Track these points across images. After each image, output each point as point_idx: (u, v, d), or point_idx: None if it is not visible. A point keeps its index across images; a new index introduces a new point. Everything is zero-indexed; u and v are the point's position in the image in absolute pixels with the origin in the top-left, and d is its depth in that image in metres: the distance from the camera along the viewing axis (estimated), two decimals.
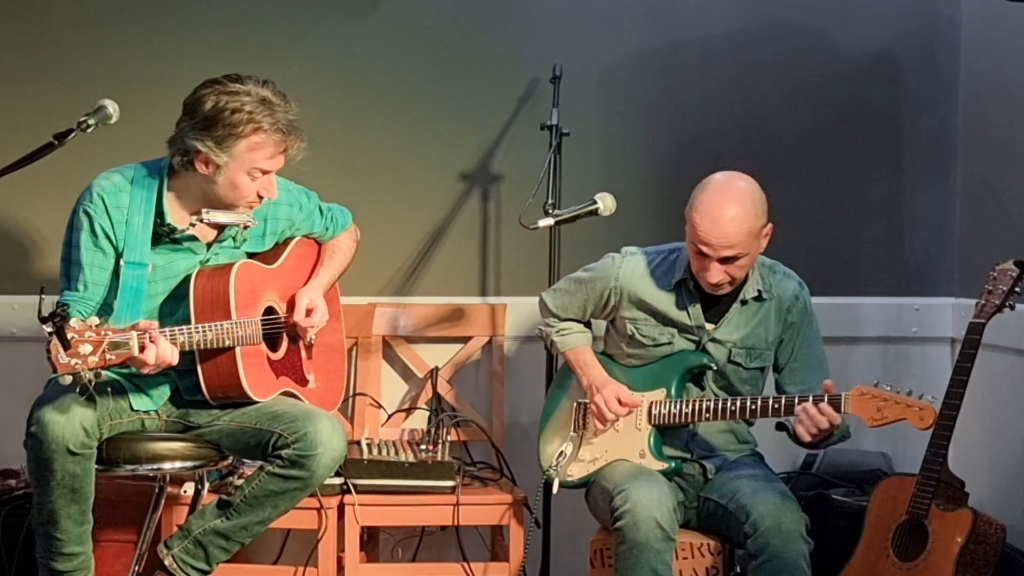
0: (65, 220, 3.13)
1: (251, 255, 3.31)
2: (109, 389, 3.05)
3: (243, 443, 3.16)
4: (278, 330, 3.32)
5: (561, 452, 3.44)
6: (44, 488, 2.97)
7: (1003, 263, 3.19)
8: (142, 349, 2.85)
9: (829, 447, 3.31)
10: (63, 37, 4.06)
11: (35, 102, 4.01)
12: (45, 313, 2.68)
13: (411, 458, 3.64)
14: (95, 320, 2.77)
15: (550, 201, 3.64)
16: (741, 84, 4.13)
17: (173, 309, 3.16)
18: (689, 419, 3.34)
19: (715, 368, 3.36)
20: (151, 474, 3.23)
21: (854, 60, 4.13)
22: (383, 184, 4.11)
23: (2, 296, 4.04)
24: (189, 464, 3.20)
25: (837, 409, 3.13)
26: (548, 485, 3.50)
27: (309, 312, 3.33)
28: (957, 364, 3.16)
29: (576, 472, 3.43)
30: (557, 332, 3.53)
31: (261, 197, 3.14)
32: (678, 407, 3.34)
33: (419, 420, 4.01)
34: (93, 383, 2.78)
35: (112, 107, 3.02)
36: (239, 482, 3.30)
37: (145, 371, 2.92)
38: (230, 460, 3.29)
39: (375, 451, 3.67)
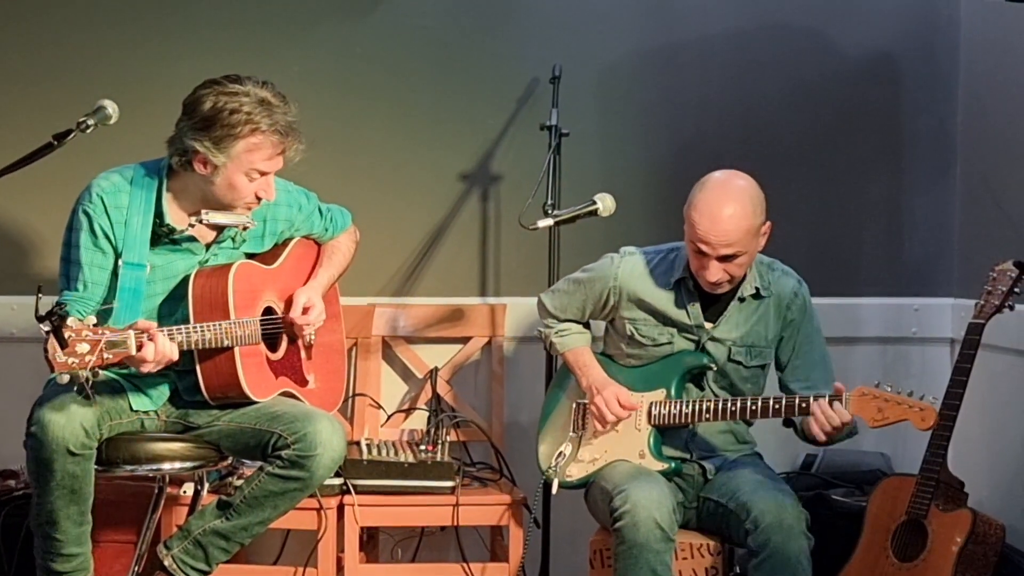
0: (64, 220, 3.12)
1: (250, 256, 3.31)
2: (109, 388, 3.05)
3: (243, 443, 3.16)
4: (277, 330, 3.32)
5: (560, 452, 3.44)
6: (43, 488, 2.97)
7: (1002, 263, 3.20)
8: (139, 348, 2.85)
9: (833, 445, 3.30)
10: (63, 37, 4.06)
11: (34, 102, 4.01)
12: (42, 312, 2.68)
13: (411, 458, 3.64)
14: (93, 319, 2.77)
15: (549, 201, 3.64)
16: (741, 84, 4.13)
17: (172, 309, 3.16)
18: (689, 419, 3.34)
19: (715, 368, 3.36)
20: (151, 474, 3.23)
21: (854, 60, 4.13)
22: (383, 184, 4.11)
23: (1, 296, 4.05)
24: (189, 464, 3.20)
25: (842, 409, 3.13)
26: (547, 485, 3.51)
27: (306, 311, 3.32)
28: (956, 364, 3.16)
29: (575, 472, 3.43)
30: (556, 333, 3.53)
31: (259, 198, 3.13)
32: (678, 407, 3.34)
33: (419, 420, 4.01)
34: (91, 382, 2.78)
35: (111, 107, 3.02)
36: (239, 483, 3.30)
37: (145, 370, 2.91)
38: (230, 461, 3.29)
39: (375, 452, 3.67)
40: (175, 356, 2.95)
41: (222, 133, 3.01)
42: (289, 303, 3.35)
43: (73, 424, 2.92)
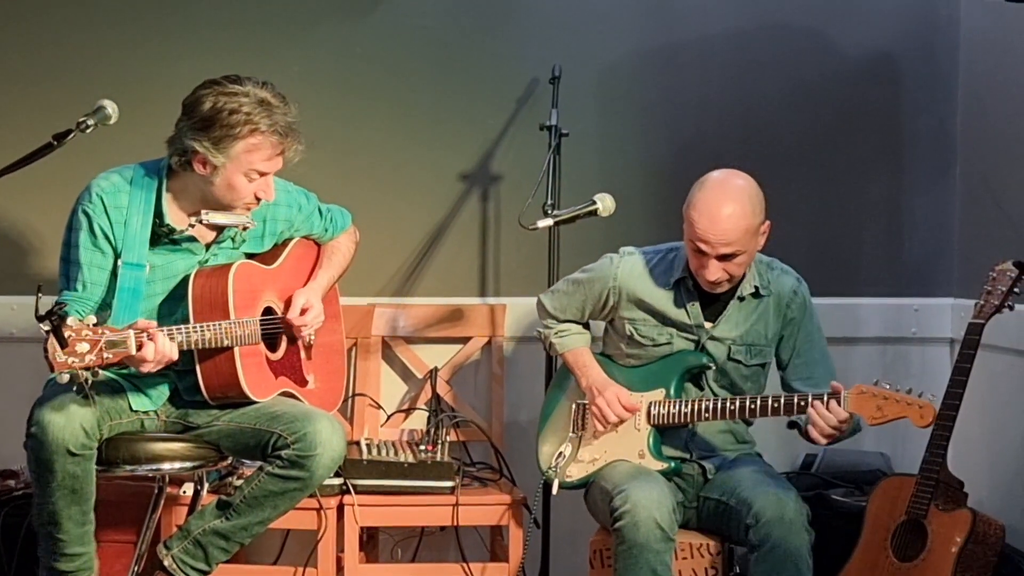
0: (64, 220, 3.13)
1: (250, 256, 3.31)
2: (109, 388, 3.05)
3: (242, 443, 3.16)
4: (277, 330, 3.32)
5: (560, 453, 3.44)
6: (45, 489, 2.97)
7: (1002, 263, 3.20)
8: (139, 348, 2.85)
9: (837, 443, 3.29)
10: (63, 37, 4.06)
11: (34, 102, 4.01)
12: (42, 312, 2.68)
13: (410, 458, 3.64)
14: (92, 319, 2.77)
15: (549, 201, 3.63)
16: (740, 84, 4.13)
17: (172, 309, 3.16)
18: (688, 419, 3.34)
19: (713, 368, 3.37)
20: (150, 474, 3.23)
21: (853, 60, 4.13)
22: (382, 184, 4.11)
23: (1, 296, 4.05)
24: (188, 464, 3.20)
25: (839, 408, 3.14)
26: (547, 486, 3.51)
27: (303, 312, 3.32)
28: (956, 364, 3.16)
29: (575, 473, 3.43)
30: (556, 333, 3.53)
31: (259, 199, 3.13)
32: (677, 407, 3.34)
33: (418, 420, 4.00)
34: (90, 382, 2.78)
35: (111, 107, 3.02)
36: (238, 482, 3.30)
37: (144, 369, 2.91)
38: (229, 460, 3.29)
39: (374, 451, 3.67)
40: (175, 356, 2.95)
41: (221, 133, 3.01)
42: (289, 303, 3.35)
43: (73, 425, 2.92)
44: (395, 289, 4.14)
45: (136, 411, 3.14)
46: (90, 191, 3.10)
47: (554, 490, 3.41)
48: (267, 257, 3.34)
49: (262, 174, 3.09)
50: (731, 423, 3.42)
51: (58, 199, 3.38)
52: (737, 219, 3.19)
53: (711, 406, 3.30)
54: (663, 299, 3.38)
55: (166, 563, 3.10)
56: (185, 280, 3.15)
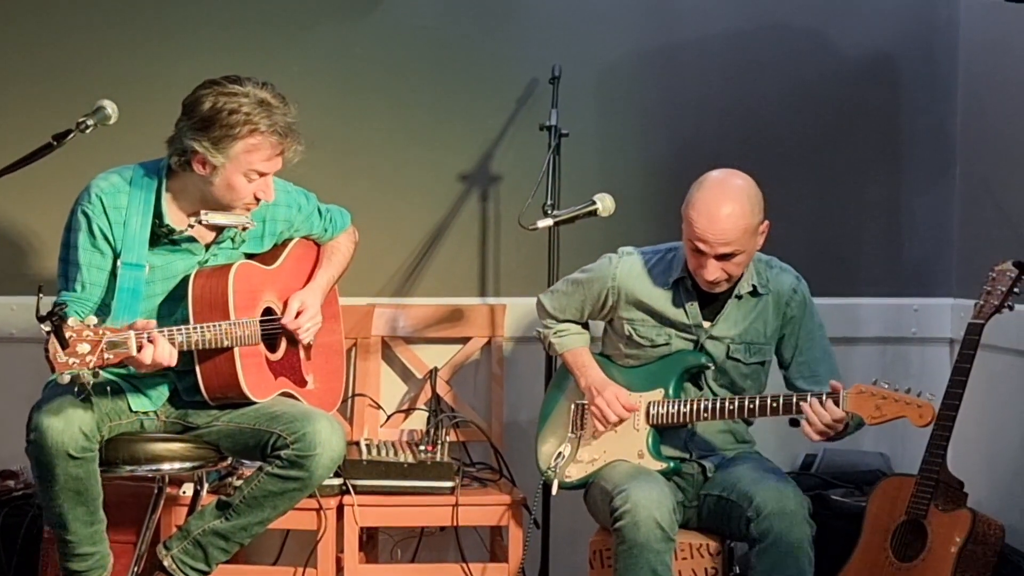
0: (64, 221, 3.12)
1: (250, 256, 3.30)
2: (108, 389, 3.05)
3: (242, 444, 3.16)
4: (277, 331, 3.31)
5: (559, 453, 3.44)
6: (49, 492, 2.97)
7: (1002, 264, 3.20)
8: (140, 349, 2.85)
9: (839, 440, 3.29)
10: (63, 37, 4.06)
11: (34, 102, 4.01)
12: (43, 312, 2.68)
13: (410, 459, 3.64)
14: (93, 320, 2.77)
15: (549, 202, 3.63)
16: (740, 85, 4.14)
17: (172, 309, 3.16)
18: (687, 419, 3.34)
19: (712, 367, 3.37)
20: (150, 475, 3.23)
21: (853, 61, 4.13)
22: (382, 184, 4.11)
23: (1, 297, 4.04)
24: (188, 465, 3.20)
25: (836, 407, 3.13)
26: (547, 486, 3.51)
27: (299, 314, 3.32)
28: (956, 364, 3.16)
29: (575, 473, 3.43)
30: (555, 333, 3.53)
31: (258, 199, 3.13)
32: (676, 407, 3.34)
33: (418, 421, 4.00)
34: (91, 383, 2.78)
35: (111, 108, 3.02)
36: (238, 483, 3.30)
37: (143, 370, 2.91)
38: (229, 461, 3.29)
39: (374, 452, 3.67)
40: (174, 361, 2.94)
41: (221, 133, 3.01)
42: (285, 303, 3.35)
43: (72, 428, 2.92)
44: (395, 289, 4.14)
45: (136, 411, 3.14)
46: (89, 191, 3.10)
47: (554, 490, 3.41)
48: (267, 257, 3.34)
49: (261, 174, 3.09)
50: (731, 423, 3.42)
51: (58, 199, 3.38)
52: (736, 219, 3.19)
53: (710, 406, 3.30)
54: (662, 299, 3.39)
55: (166, 563, 3.10)
56: (185, 280, 3.15)
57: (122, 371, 3.09)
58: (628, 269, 3.42)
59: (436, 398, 3.96)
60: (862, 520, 3.30)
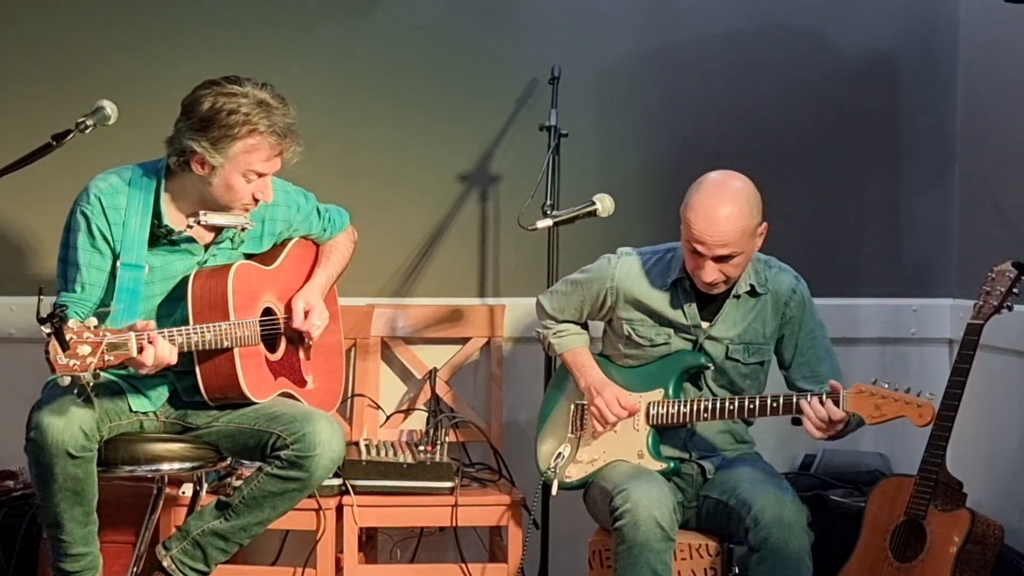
0: (63, 221, 3.12)
1: (249, 256, 3.30)
2: (108, 389, 3.05)
3: (242, 444, 3.16)
4: (276, 331, 3.31)
5: (559, 453, 3.44)
6: (47, 492, 2.97)
7: (1001, 264, 3.20)
8: (140, 350, 2.85)
9: (840, 439, 3.29)
10: (62, 37, 4.06)
11: (33, 103, 4.01)
12: (43, 314, 2.68)
13: (409, 459, 3.64)
14: (93, 321, 2.76)
15: (548, 202, 3.63)
16: (740, 85, 4.13)
17: (171, 310, 3.16)
18: (687, 419, 3.34)
19: (711, 367, 3.37)
20: (149, 475, 3.23)
21: (853, 61, 4.13)
22: (382, 184, 4.11)
23: (0, 297, 4.04)
24: (187, 465, 3.19)
25: (836, 407, 3.13)
26: (547, 486, 3.51)
27: (307, 315, 3.33)
28: (955, 365, 3.16)
29: (574, 473, 3.43)
30: (554, 334, 3.53)
31: (257, 200, 3.13)
32: (676, 407, 3.34)
33: (417, 421, 4.01)
34: (91, 384, 2.78)
35: (110, 108, 3.02)
36: (237, 483, 3.30)
37: (143, 372, 2.91)
38: (228, 461, 3.29)
39: (373, 452, 3.67)
40: (174, 360, 2.94)
41: (220, 134, 3.01)
42: (289, 304, 3.35)
43: (72, 427, 2.92)
44: (394, 289, 4.14)
45: (135, 412, 3.14)
46: (88, 192, 3.09)
47: (553, 490, 3.42)
48: (266, 257, 3.34)
49: (260, 175, 3.09)
50: (730, 423, 3.42)
51: (57, 199, 3.37)
52: (734, 220, 3.19)
53: (710, 406, 3.30)
54: (660, 300, 3.39)
55: (165, 564, 3.10)
56: (184, 281, 3.15)
57: (122, 371, 3.09)
58: (627, 269, 3.42)
59: (435, 398, 3.96)
60: (861, 520, 3.31)
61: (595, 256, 3.52)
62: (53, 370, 2.73)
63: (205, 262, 3.20)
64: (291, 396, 3.30)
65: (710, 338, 3.37)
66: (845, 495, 3.70)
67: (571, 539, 3.71)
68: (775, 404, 3.24)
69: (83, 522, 3.01)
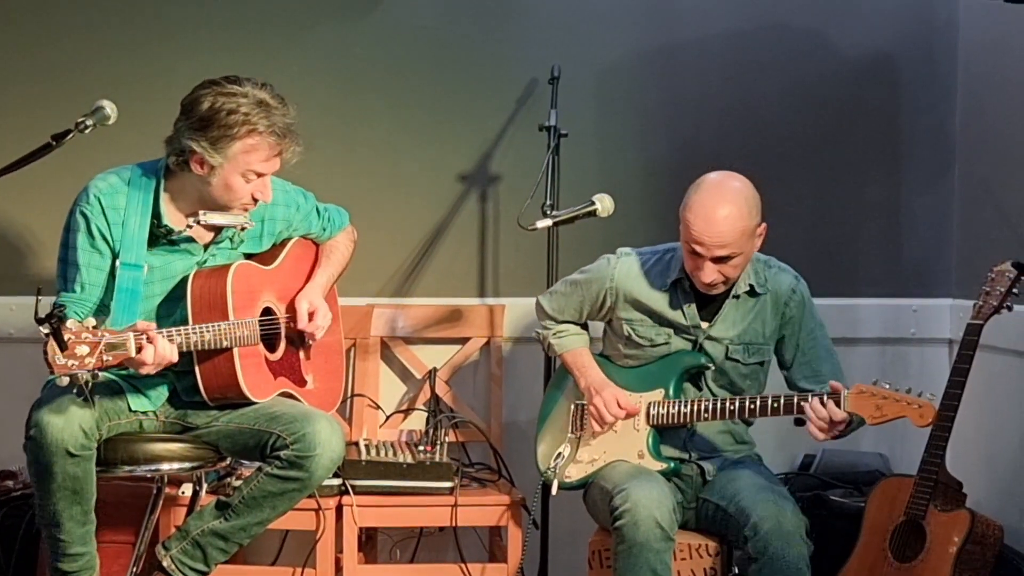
0: (62, 221, 3.12)
1: (248, 256, 3.30)
2: (108, 389, 3.05)
3: (241, 444, 3.16)
4: (276, 331, 3.31)
5: (559, 453, 3.44)
6: (45, 491, 2.97)
7: (1001, 264, 3.20)
8: (139, 350, 2.84)
9: (841, 438, 3.29)
10: (62, 37, 4.06)
11: (33, 102, 4.01)
12: (42, 314, 2.68)
13: (409, 459, 3.64)
14: (92, 321, 2.76)
15: (548, 202, 3.63)
16: (739, 85, 4.13)
17: (171, 310, 3.15)
18: (688, 419, 3.34)
19: (712, 368, 3.37)
20: (149, 475, 3.23)
21: (852, 61, 4.13)
22: (381, 184, 4.11)
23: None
24: (187, 465, 3.19)
25: (837, 407, 3.13)
26: (546, 486, 3.51)
27: (311, 316, 3.33)
28: (955, 365, 3.16)
29: (574, 473, 3.43)
30: (554, 334, 3.53)
31: (256, 200, 3.13)
32: (676, 407, 3.34)
33: (417, 421, 4.01)
34: (90, 384, 2.78)
35: (110, 108, 3.02)
36: (237, 483, 3.30)
37: (144, 371, 2.91)
38: (228, 461, 3.29)
39: (373, 452, 3.67)
40: (174, 358, 2.94)
41: (219, 133, 3.01)
42: (288, 304, 3.35)
43: (72, 426, 2.92)
44: (394, 289, 4.14)
45: (135, 412, 3.14)
46: (88, 192, 3.09)
47: (553, 490, 3.41)
48: (266, 257, 3.34)
49: (259, 175, 3.09)
50: (730, 423, 3.42)
51: (56, 199, 3.38)
52: (733, 221, 3.19)
53: (710, 406, 3.30)
54: (659, 300, 3.38)
55: (164, 564, 3.10)
56: (184, 281, 3.15)
57: (122, 371, 3.09)
58: (626, 270, 3.42)
59: (435, 398, 3.96)
60: (861, 520, 3.31)
61: (595, 256, 3.52)
62: (51, 370, 2.73)
63: (204, 262, 3.20)
64: (291, 396, 3.30)
65: (710, 338, 3.37)
66: (845, 495, 3.70)
67: (571, 539, 3.71)
68: (776, 405, 3.24)
69: (81, 521, 3.01)
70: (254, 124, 3.02)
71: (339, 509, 3.58)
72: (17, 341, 4.00)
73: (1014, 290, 3.16)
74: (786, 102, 4.14)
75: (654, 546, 3.10)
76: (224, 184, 3.07)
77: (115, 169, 3.16)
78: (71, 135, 2.97)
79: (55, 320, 2.67)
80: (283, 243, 3.39)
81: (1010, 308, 3.18)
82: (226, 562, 3.17)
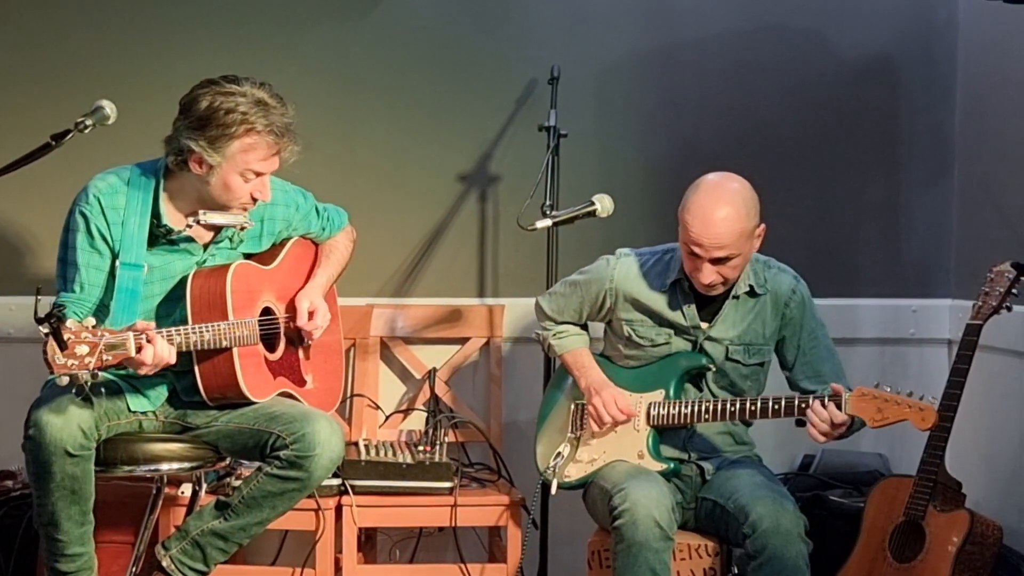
0: (62, 221, 3.12)
1: (248, 256, 3.30)
2: (103, 390, 3.05)
3: (241, 444, 3.16)
4: (275, 331, 3.31)
5: (558, 453, 3.44)
6: (44, 490, 2.97)
7: (1000, 265, 3.20)
8: (139, 350, 2.84)
9: (842, 439, 3.29)
10: (62, 37, 4.06)
11: (33, 102, 4.01)
12: (41, 314, 2.68)
13: (409, 459, 3.64)
14: (91, 321, 2.76)
15: (548, 202, 3.63)
16: (739, 85, 4.14)
17: (170, 310, 3.16)
18: (687, 420, 3.34)
19: (712, 369, 3.37)
20: (148, 475, 3.22)
21: (852, 61, 4.13)
22: (381, 185, 4.11)
23: None
24: (187, 465, 3.19)
25: (838, 409, 3.13)
26: (546, 486, 3.51)
27: (311, 315, 3.33)
28: (954, 365, 3.17)
29: (574, 473, 3.43)
30: (554, 335, 3.53)
31: (255, 199, 3.13)
32: (677, 408, 3.34)
33: (417, 421, 4.01)
34: (90, 384, 2.78)
35: (109, 108, 3.02)
36: (237, 483, 3.30)
37: (143, 371, 2.91)
38: (228, 461, 3.29)
39: (373, 452, 3.67)
40: (173, 359, 2.94)
41: (217, 133, 3.01)
42: (288, 304, 3.35)
43: (71, 426, 2.92)
44: (393, 290, 4.14)
45: (134, 412, 3.14)
46: (87, 192, 3.09)
47: (553, 490, 3.41)
48: (265, 257, 3.34)
49: (258, 174, 3.09)
50: (730, 424, 3.42)
51: (56, 199, 3.38)
52: (731, 222, 3.19)
53: (711, 407, 3.30)
54: (659, 301, 3.38)
55: (164, 564, 3.10)
56: (183, 281, 3.15)
57: (121, 371, 3.09)
58: (625, 270, 3.42)
59: (435, 398, 3.96)
60: (860, 521, 3.31)
61: (595, 256, 3.52)
62: (51, 370, 2.73)
63: (204, 262, 3.20)
64: (290, 396, 3.30)
65: (710, 339, 3.37)
66: (844, 495, 3.70)
67: (570, 539, 3.71)
68: (776, 406, 3.23)
69: (79, 522, 3.01)
70: (252, 123, 3.02)
71: (339, 509, 3.58)
72: (17, 341, 4.00)
73: (1013, 290, 3.17)
74: (786, 102, 4.14)
75: (653, 545, 3.10)
76: (223, 183, 3.07)
77: (114, 169, 3.16)
78: (71, 135, 2.96)
79: (55, 320, 2.67)
80: (282, 243, 3.39)
81: (1009, 308, 3.18)
82: (226, 562, 3.17)
